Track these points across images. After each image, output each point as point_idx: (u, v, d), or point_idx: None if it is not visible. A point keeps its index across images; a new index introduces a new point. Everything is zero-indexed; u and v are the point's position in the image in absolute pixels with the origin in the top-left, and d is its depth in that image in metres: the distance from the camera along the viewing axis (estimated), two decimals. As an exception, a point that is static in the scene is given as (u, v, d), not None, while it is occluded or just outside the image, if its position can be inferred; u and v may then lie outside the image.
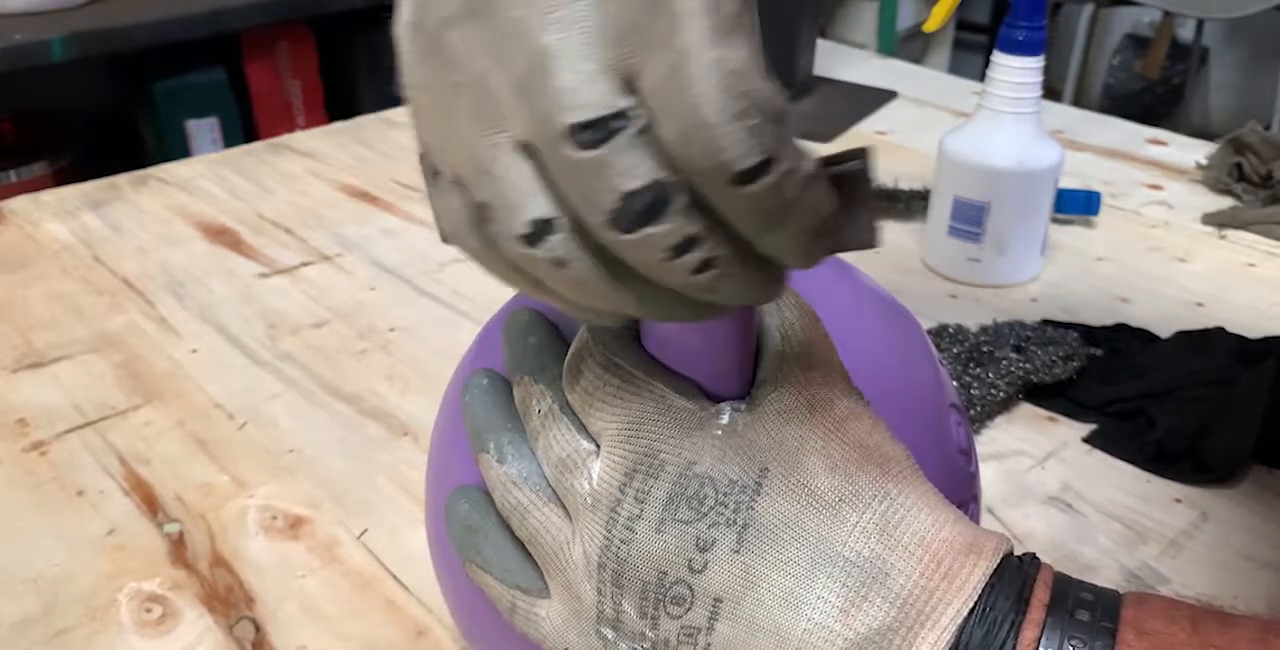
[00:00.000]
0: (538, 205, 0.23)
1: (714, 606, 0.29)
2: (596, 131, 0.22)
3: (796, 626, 0.28)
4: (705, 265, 0.23)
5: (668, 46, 0.21)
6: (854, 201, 0.25)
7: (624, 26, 0.22)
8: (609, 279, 0.24)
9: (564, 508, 0.32)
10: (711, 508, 0.29)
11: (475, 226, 0.25)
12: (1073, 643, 0.27)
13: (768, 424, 0.30)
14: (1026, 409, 0.66)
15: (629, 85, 0.22)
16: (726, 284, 0.24)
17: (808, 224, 0.23)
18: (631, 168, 0.22)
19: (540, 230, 0.24)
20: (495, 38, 0.23)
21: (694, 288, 0.24)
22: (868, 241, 0.26)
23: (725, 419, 0.30)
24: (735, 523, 0.29)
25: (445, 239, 0.27)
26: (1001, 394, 0.65)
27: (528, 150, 0.23)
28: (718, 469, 0.29)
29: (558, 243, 0.24)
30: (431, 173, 0.26)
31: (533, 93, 0.22)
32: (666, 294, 0.25)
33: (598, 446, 0.31)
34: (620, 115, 0.22)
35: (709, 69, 0.21)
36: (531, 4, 0.22)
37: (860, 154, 0.26)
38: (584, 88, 0.22)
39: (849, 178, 0.25)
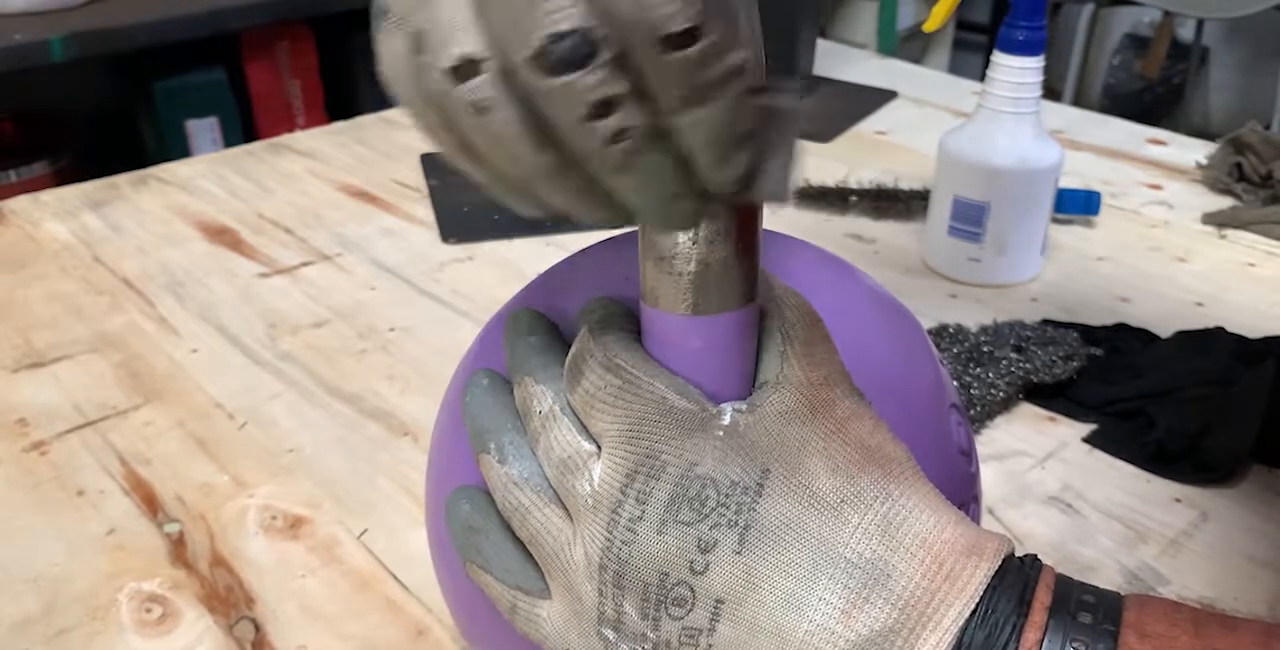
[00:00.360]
0: (469, 40, 0.24)
1: (715, 608, 0.29)
2: None
3: (798, 628, 0.28)
4: (620, 135, 0.24)
5: None
6: (778, 139, 0.26)
7: None
8: (528, 136, 0.24)
9: (565, 508, 0.32)
10: (713, 509, 0.29)
11: (409, 59, 0.25)
12: (1075, 645, 0.27)
13: (769, 425, 0.30)
14: (1027, 409, 0.66)
15: None
16: (638, 165, 0.24)
17: (725, 125, 0.24)
18: (561, 9, 0.22)
19: (467, 68, 0.24)
20: None
21: (607, 161, 0.24)
22: (778, 193, 0.26)
23: (727, 420, 0.30)
24: (737, 524, 0.29)
25: (384, 81, 0.27)
26: (1002, 394, 0.65)
27: None
28: (719, 470, 0.29)
29: (482, 84, 0.24)
30: (381, 10, 0.26)
31: None
32: (580, 174, 0.25)
33: (599, 447, 0.31)
34: None
35: None
36: None
37: (794, 92, 0.26)
38: None
39: (775, 112, 0.25)
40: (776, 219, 0.90)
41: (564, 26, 0.22)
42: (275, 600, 0.52)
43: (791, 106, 0.26)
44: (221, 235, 0.88)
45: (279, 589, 0.53)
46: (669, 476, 0.29)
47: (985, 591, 0.28)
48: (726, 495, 0.29)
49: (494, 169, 0.26)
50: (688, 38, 0.22)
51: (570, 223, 0.86)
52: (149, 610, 0.51)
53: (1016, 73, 0.75)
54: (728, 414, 0.30)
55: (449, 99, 0.24)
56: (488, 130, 0.25)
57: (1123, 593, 0.29)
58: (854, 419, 0.31)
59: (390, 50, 0.26)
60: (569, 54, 0.23)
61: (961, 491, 0.38)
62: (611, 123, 0.23)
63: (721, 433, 0.30)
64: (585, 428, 0.31)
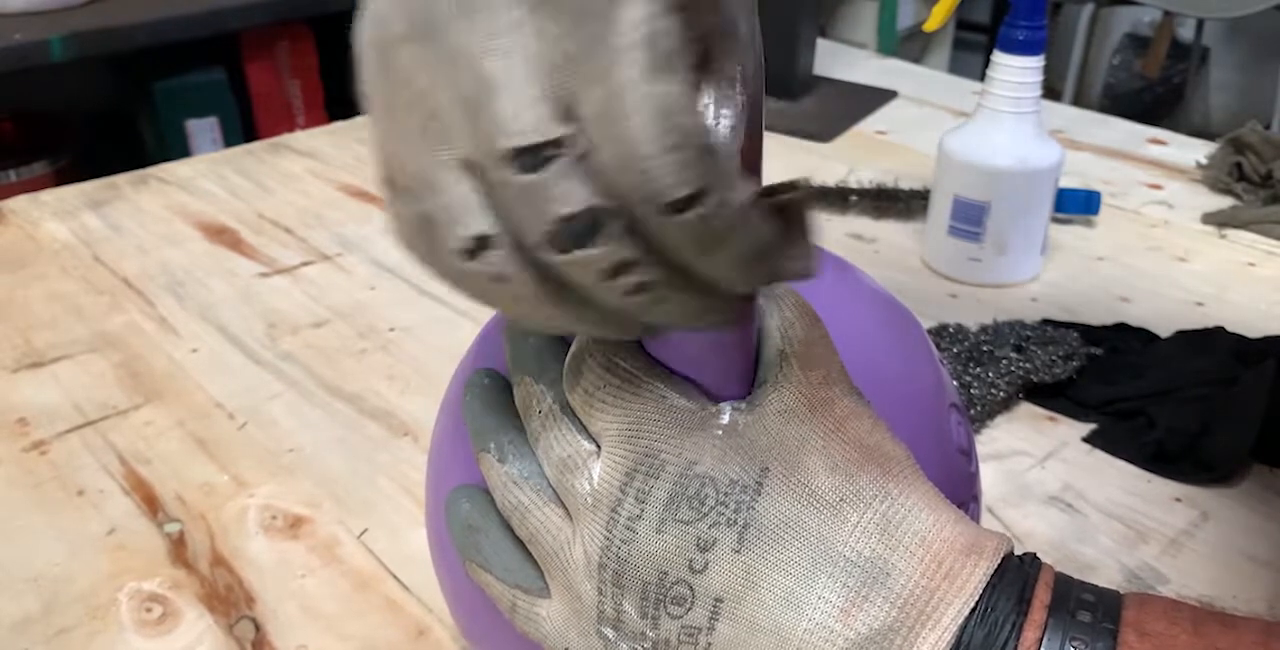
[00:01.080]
0: (478, 221, 0.24)
1: (715, 606, 0.29)
2: (534, 157, 0.23)
3: (797, 626, 0.28)
4: (640, 288, 0.24)
5: (605, 79, 0.22)
6: (793, 231, 0.26)
7: (564, 57, 0.22)
8: (547, 296, 0.25)
9: (565, 508, 0.32)
10: (712, 508, 0.29)
11: (422, 236, 0.25)
12: (1074, 644, 0.27)
13: (768, 424, 0.30)
14: (1027, 408, 0.66)
15: (569, 113, 0.23)
16: (662, 307, 0.25)
17: (743, 253, 0.24)
18: (568, 193, 0.23)
19: (480, 245, 0.24)
20: (442, 61, 0.24)
21: (631, 309, 0.25)
22: (805, 271, 0.27)
23: (726, 419, 0.30)
24: (736, 522, 0.29)
25: (400, 244, 0.27)
26: (1002, 393, 0.65)
27: (471, 168, 0.24)
28: (718, 469, 0.29)
29: (497, 258, 0.24)
30: (387, 181, 0.26)
31: (476, 115, 0.23)
32: (605, 312, 0.25)
33: (598, 447, 0.31)
34: (558, 142, 0.23)
35: (642, 103, 0.22)
36: (474, 30, 0.23)
37: (800, 186, 0.26)
38: (524, 113, 0.23)
39: (789, 208, 0.26)
40: (776, 219, 0.90)
41: (571, 209, 0.23)
42: (275, 600, 0.52)
43: (799, 196, 0.26)
44: (221, 235, 0.88)
45: (279, 589, 0.53)
46: (668, 475, 0.29)
47: (984, 590, 0.28)
48: (725, 494, 0.29)
49: (513, 316, 0.27)
50: (691, 201, 0.22)
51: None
52: (149, 610, 0.51)
53: (1017, 72, 0.75)
54: (726, 413, 0.30)
55: (465, 272, 0.25)
56: (507, 295, 0.25)
57: (1122, 592, 0.29)
58: (853, 418, 0.31)
59: (402, 222, 0.26)
60: (579, 233, 0.23)
61: (961, 491, 0.38)
62: (629, 280, 0.24)
63: (720, 431, 0.30)
64: (585, 427, 0.31)
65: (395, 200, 0.26)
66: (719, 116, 0.25)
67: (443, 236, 0.25)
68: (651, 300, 0.24)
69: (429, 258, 0.26)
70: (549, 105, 0.23)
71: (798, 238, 0.26)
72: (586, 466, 0.31)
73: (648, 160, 0.22)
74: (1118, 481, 0.60)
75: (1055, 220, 0.86)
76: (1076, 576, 0.29)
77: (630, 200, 0.23)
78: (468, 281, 0.25)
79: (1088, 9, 2.42)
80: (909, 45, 2.58)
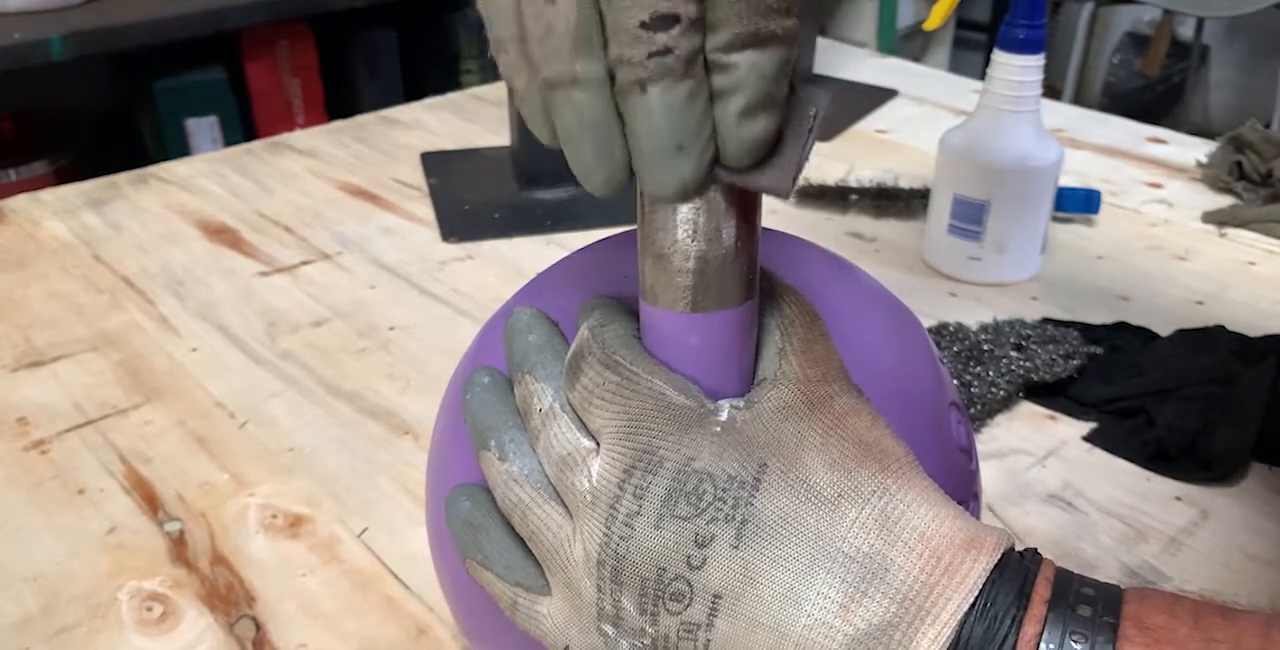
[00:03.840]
0: None
1: (713, 602, 0.29)
2: None
3: (796, 622, 0.28)
4: (666, 51, 0.24)
5: None
6: (796, 126, 0.26)
7: None
8: (579, 32, 0.25)
9: (564, 505, 0.32)
10: (710, 504, 0.29)
11: None
12: (1074, 638, 0.27)
13: (766, 420, 0.30)
14: (1027, 407, 0.66)
15: None
16: (664, 89, 0.25)
17: (772, 68, 0.25)
18: None
19: None
20: None
21: (641, 73, 0.25)
22: (780, 181, 0.27)
23: (724, 416, 0.30)
24: (734, 518, 0.29)
25: None
26: (1002, 392, 0.65)
27: None
28: (716, 465, 0.29)
29: None
30: None
31: None
32: (601, 94, 0.26)
33: (598, 444, 0.31)
34: None
35: None
36: None
37: (819, 101, 0.27)
38: None
39: (808, 97, 0.27)
40: (777, 217, 0.90)
41: None
42: (275, 599, 0.52)
43: (822, 102, 0.27)
44: (221, 234, 0.88)
45: (279, 587, 0.53)
46: (666, 472, 0.29)
47: (984, 585, 0.28)
48: (723, 490, 0.29)
49: (531, 67, 0.26)
50: None
51: (570, 220, 0.85)
52: (149, 609, 0.51)
53: (1017, 71, 0.75)
54: (725, 410, 0.30)
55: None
56: (544, 18, 0.25)
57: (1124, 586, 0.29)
58: (852, 415, 0.31)
59: None
60: None
61: (961, 489, 0.38)
62: (664, 37, 0.24)
63: (719, 428, 0.30)
64: (584, 425, 0.31)
65: None
66: None
67: None
68: (664, 68, 0.25)
69: None
70: None
71: (797, 137, 0.27)
72: (586, 464, 0.31)
73: None
74: (1118, 480, 0.60)
75: (1055, 219, 0.86)
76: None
77: None
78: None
79: (1088, 8, 2.41)
80: (909, 44, 2.58)
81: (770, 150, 0.26)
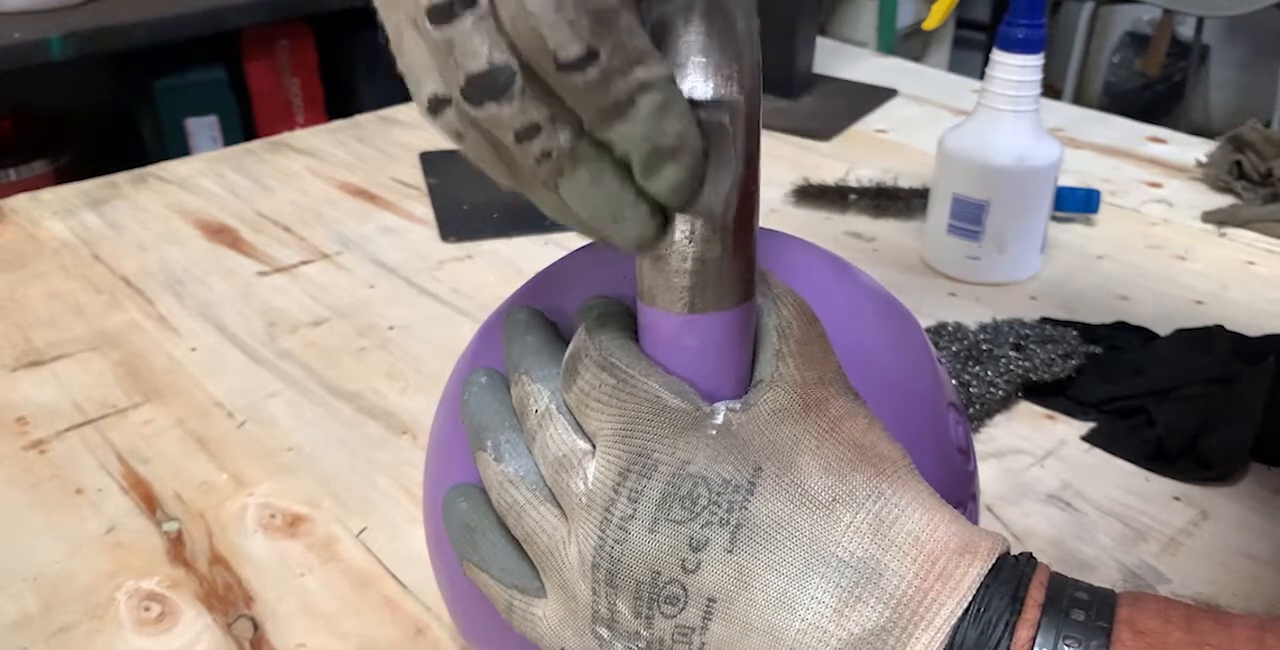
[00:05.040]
0: (432, 81, 0.27)
1: (708, 606, 0.29)
2: (444, 12, 0.25)
3: (790, 627, 0.28)
4: (546, 154, 0.26)
5: None
6: (714, 156, 0.27)
7: None
8: (496, 157, 0.27)
9: (560, 507, 0.32)
10: (705, 507, 0.29)
11: (411, 90, 0.28)
12: (1068, 642, 0.26)
13: (762, 424, 0.30)
14: (1026, 407, 0.66)
15: None
16: (571, 182, 0.27)
17: (644, 131, 0.26)
18: (476, 49, 0.25)
19: (436, 105, 0.27)
20: None
21: (541, 177, 0.27)
22: (707, 207, 0.28)
23: (720, 419, 0.30)
24: (728, 522, 0.29)
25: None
26: (1001, 392, 0.65)
27: (414, 27, 0.26)
28: (711, 469, 0.29)
29: (450, 117, 0.27)
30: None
31: None
32: (531, 180, 0.28)
33: (594, 446, 0.31)
34: (468, 1, 0.25)
35: None
36: None
37: (722, 109, 0.27)
38: None
39: (708, 127, 0.27)
40: (775, 217, 0.90)
41: (477, 66, 0.25)
42: (274, 598, 0.52)
43: (720, 122, 0.27)
44: (221, 234, 0.88)
45: (278, 587, 0.53)
46: (661, 475, 0.29)
47: (978, 590, 0.28)
48: (718, 494, 0.29)
49: (486, 171, 0.29)
50: (584, 61, 0.24)
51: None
52: (148, 609, 0.51)
53: (1016, 71, 0.75)
54: (721, 413, 0.30)
55: (437, 127, 0.28)
56: (469, 152, 0.28)
57: (1118, 590, 0.29)
58: (848, 418, 0.31)
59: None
60: (486, 88, 0.25)
61: (959, 490, 0.38)
62: (536, 145, 0.26)
63: (714, 431, 0.30)
64: (580, 426, 0.31)
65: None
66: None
67: (415, 94, 0.27)
68: (554, 170, 0.26)
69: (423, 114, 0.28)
70: None
71: (719, 166, 0.27)
72: (581, 466, 0.31)
73: (538, 17, 0.24)
74: (1117, 480, 0.60)
75: (1055, 219, 0.86)
76: (1075, 575, 0.29)
77: (531, 59, 0.25)
78: (445, 134, 0.28)
79: (1088, 7, 2.41)
80: (908, 43, 2.58)
81: (696, 184, 0.27)
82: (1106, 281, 0.81)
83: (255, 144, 1.06)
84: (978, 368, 0.66)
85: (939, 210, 0.80)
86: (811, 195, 0.92)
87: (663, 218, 0.28)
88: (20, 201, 0.93)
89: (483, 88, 0.25)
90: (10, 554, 0.55)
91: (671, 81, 0.26)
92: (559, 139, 0.26)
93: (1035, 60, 0.74)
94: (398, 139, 1.07)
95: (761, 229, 0.31)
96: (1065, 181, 0.88)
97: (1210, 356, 0.68)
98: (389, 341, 0.73)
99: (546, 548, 0.31)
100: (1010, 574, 0.28)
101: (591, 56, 0.24)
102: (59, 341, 0.73)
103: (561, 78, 0.25)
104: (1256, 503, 0.59)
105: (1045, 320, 0.73)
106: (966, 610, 0.27)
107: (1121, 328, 0.73)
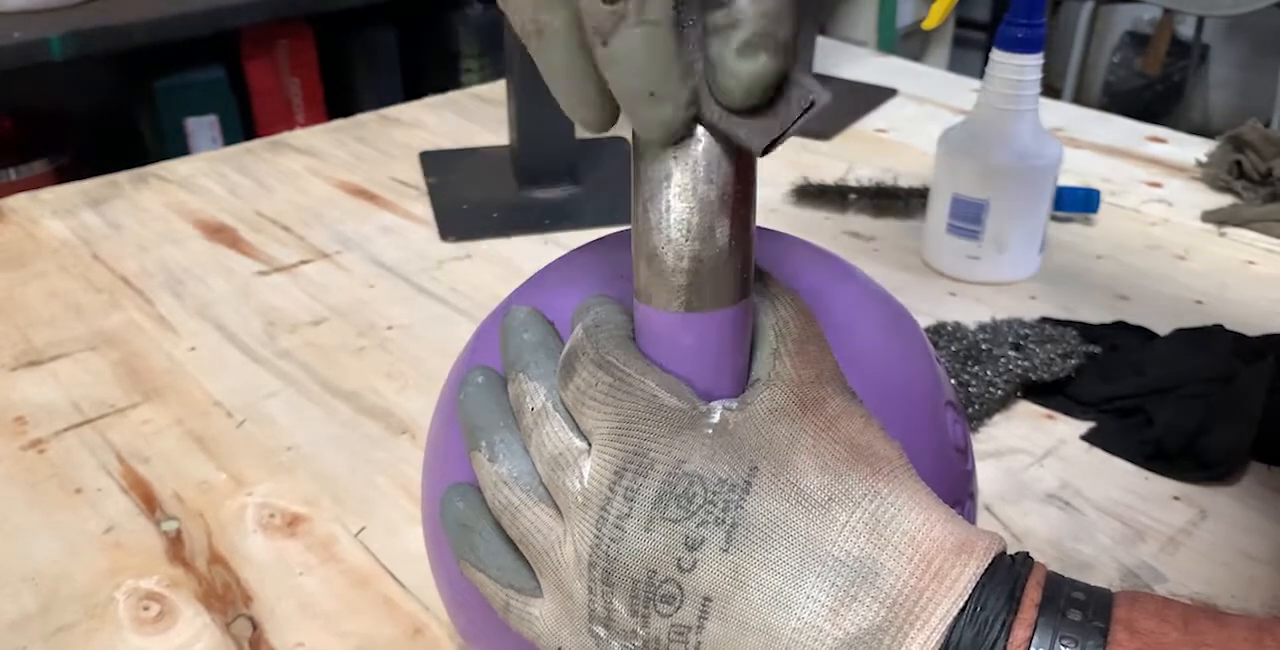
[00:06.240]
0: None
1: (703, 605, 0.29)
2: None
3: (786, 626, 0.28)
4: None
5: None
6: (783, 101, 0.26)
7: None
8: None
9: (555, 507, 0.32)
10: (700, 506, 0.29)
11: None
12: (1064, 642, 0.26)
13: (758, 423, 0.30)
14: (1025, 407, 0.66)
15: None
16: (624, 35, 0.25)
17: (764, 10, 0.25)
18: None
19: None
20: None
21: (598, 19, 0.25)
22: (755, 140, 0.26)
23: (716, 418, 0.30)
24: (724, 521, 0.29)
25: None
26: (1000, 392, 0.65)
27: None
28: (707, 468, 0.29)
29: None
30: None
31: None
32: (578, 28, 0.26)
33: (590, 444, 0.31)
34: None
35: None
36: None
37: (819, 94, 0.26)
38: None
39: (796, 87, 0.26)
40: (774, 216, 0.90)
41: None
42: (273, 598, 0.52)
43: (821, 96, 0.26)
44: (220, 233, 0.88)
45: (277, 587, 0.53)
46: (657, 474, 0.29)
47: (974, 589, 0.28)
48: (714, 492, 0.29)
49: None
50: None
51: (569, 220, 0.85)
52: (146, 608, 0.51)
53: (1016, 70, 0.75)
54: (717, 412, 0.30)
55: None
56: None
57: (1115, 590, 0.29)
58: (844, 417, 0.31)
59: None
60: None
61: (957, 489, 0.38)
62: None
63: (711, 430, 0.30)
64: (577, 424, 0.31)
65: None
66: None
67: None
68: (624, 14, 0.25)
69: None
70: None
71: (793, 95, 0.26)
72: (577, 464, 0.31)
73: None
74: (1116, 479, 0.60)
75: (1054, 218, 0.86)
76: (1074, 575, 0.29)
77: None
78: None
79: (1088, 6, 2.41)
80: (908, 43, 2.58)
81: (764, 97, 0.26)
82: (1106, 281, 0.81)
83: (255, 143, 1.06)
84: (977, 367, 0.66)
85: (938, 210, 0.80)
86: (811, 195, 0.92)
87: (693, 115, 0.27)
88: (20, 201, 0.93)
89: None
90: (9, 553, 0.55)
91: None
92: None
93: (1035, 60, 0.74)
94: (398, 139, 1.07)
95: (760, 228, 0.31)
96: (1065, 181, 0.88)
97: (1210, 356, 0.68)
98: (388, 341, 0.73)
99: (542, 548, 0.31)
100: (1007, 574, 0.28)
101: None
102: (58, 341, 0.73)
103: None
104: (1256, 502, 0.59)
105: (1045, 320, 0.73)
106: (963, 610, 0.27)
107: (1121, 327, 0.73)
